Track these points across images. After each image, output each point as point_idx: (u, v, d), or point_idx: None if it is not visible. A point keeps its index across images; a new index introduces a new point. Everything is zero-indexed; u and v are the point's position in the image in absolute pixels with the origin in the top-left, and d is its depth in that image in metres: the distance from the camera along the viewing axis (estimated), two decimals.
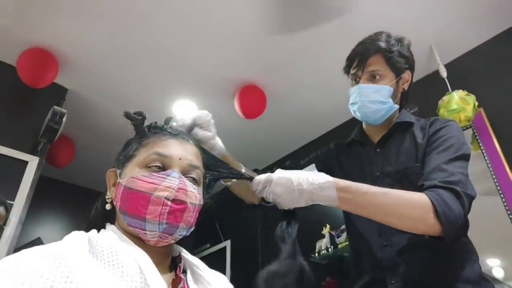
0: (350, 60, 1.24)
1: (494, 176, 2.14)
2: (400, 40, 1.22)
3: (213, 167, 0.88)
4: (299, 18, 2.40)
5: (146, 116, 0.82)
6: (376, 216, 0.93)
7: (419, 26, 2.38)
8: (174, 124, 0.88)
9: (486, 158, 2.21)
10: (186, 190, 0.70)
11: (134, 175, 0.71)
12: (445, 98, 2.29)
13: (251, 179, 0.91)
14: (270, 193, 0.88)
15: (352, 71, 1.23)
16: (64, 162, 3.33)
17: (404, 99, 1.27)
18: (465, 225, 1.05)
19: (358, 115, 1.24)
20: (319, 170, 1.34)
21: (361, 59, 1.19)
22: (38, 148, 2.58)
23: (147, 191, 0.68)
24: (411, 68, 1.24)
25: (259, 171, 0.97)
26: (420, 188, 0.97)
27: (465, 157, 1.04)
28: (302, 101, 3.09)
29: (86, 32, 2.47)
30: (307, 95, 3.03)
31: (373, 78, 1.18)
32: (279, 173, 0.89)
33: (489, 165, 2.18)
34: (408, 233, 0.98)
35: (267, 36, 2.52)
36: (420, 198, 0.92)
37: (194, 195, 0.72)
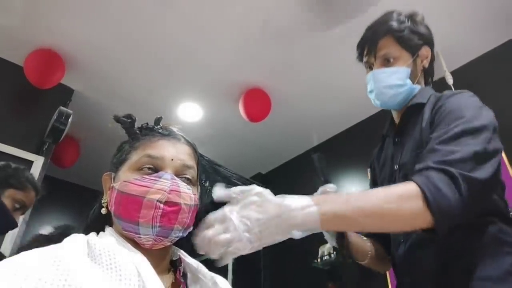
0: (360, 47, 1.17)
1: None
2: (411, 16, 1.13)
3: (211, 170, 0.86)
4: (305, 22, 2.40)
5: (136, 118, 0.81)
6: (366, 227, 0.79)
7: None
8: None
9: None
10: (179, 191, 0.69)
11: (126, 179, 0.70)
12: None
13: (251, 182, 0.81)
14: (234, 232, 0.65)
15: (364, 59, 1.15)
16: (69, 162, 3.35)
17: (428, 76, 1.17)
18: (495, 209, 0.89)
19: (377, 103, 1.15)
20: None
21: (371, 44, 1.12)
22: (44, 148, 2.60)
23: (139, 195, 0.67)
24: (429, 43, 1.14)
25: (253, 182, 0.83)
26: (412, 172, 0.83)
27: (476, 130, 0.85)
28: (307, 104, 3.09)
29: (93, 34, 2.49)
30: (312, 99, 3.03)
31: (387, 62, 1.10)
32: (250, 198, 0.69)
33: None
34: None
35: (273, 40, 2.53)
36: (409, 189, 0.76)
37: (189, 195, 0.71)
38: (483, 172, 0.79)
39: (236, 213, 0.66)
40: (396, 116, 1.17)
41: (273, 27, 2.43)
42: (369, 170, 1.30)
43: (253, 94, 2.89)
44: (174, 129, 0.83)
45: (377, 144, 1.26)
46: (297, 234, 0.70)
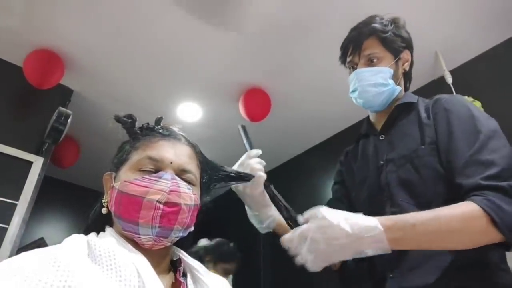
0: (344, 47, 1.19)
1: None
2: (393, 20, 1.17)
3: (210, 170, 0.86)
4: (304, 22, 2.40)
5: (137, 118, 0.82)
6: (432, 246, 0.83)
7: (425, 32, 2.38)
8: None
9: None
10: (180, 192, 0.69)
11: (126, 179, 0.70)
12: None
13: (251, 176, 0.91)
14: (309, 252, 0.75)
15: (348, 59, 1.18)
16: (68, 163, 3.35)
17: (407, 80, 1.21)
18: None
19: (359, 102, 1.17)
20: (338, 192, 1.25)
21: (355, 44, 1.14)
22: (43, 149, 2.60)
23: (139, 195, 0.67)
24: (409, 47, 1.18)
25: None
26: (459, 188, 0.86)
27: (494, 132, 0.91)
28: (307, 104, 3.09)
29: (92, 34, 2.48)
30: (311, 99, 3.03)
31: (370, 62, 1.13)
32: (318, 222, 0.77)
33: None
34: None
35: (272, 39, 2.53)
36: (471, 211, 0.79)
37: (189, 195, 0.71)
38: None
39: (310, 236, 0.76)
40: (375, 117, 1.20)
41: (274, 26, 2.43)
42: (338, 165, 1.31)
43: (252, 94, 2.89)
44: (175, 129, 0.83)
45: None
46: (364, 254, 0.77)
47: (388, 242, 0.76)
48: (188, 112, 3.14)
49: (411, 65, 1.20)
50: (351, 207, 1.14)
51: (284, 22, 2.40)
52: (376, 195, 1.05)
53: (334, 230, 0.75)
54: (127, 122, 0.81)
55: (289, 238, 0.79)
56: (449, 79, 2.45)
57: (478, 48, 2.55)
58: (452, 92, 2.37)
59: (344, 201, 1.21)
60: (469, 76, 2.55)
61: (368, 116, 1.25)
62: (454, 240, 0.81)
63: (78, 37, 2.51)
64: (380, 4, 2.03)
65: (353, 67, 1.17)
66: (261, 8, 2.31)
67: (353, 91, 1.17)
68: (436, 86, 2.65)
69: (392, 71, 1.12)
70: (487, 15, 2.33)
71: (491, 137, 0.89)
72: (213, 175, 0.86)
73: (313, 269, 0.76)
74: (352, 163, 1.23)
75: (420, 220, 0.79)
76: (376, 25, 1.13)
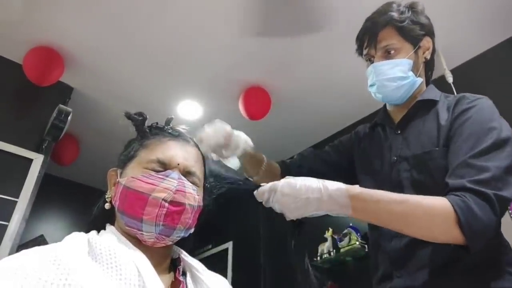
0: (360, 39, 1.13)
1: None
2: (411, 6, 1.09)
3: (215, 174, 0.86)
4: (305, 20, 2.39)
5: (147, 116, 0.82)
6: (391, 226, 0.84)
7: None
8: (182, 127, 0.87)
9: None
10: (185, 192, 0.70)
11: (133, 175, 0.71)
12: None
13: (257, 187, 0.85)
14: (275, 203, 0.81)
15: (364, 51, 1.12)
16: (68, 161, 3.35)
17: (429, 69, 1.15)
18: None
19: (378, 97, 1.11)
20: (339, 156, 1.28)
21: (371, 36, 1.08)
22: (43, 146, 2.59)
23: (145, 192, 0.68)
24: (430, 34, 1.11)
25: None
26: (445, 187, 0.85)
27: (503, 142, 0.86)
28: (307, 102, 3.08)
29: (92, 32, 2.48)
30: (312, 97, 3.03)
31: (387, 54, 1.07)
32: (285, 180, 0.82)
33: None
34: None
35: (272, 37, 2.52)
36: (441, 205, 0.79)
37: (193, 196, 0.72)
38: (511, 188, 0.82)
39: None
40: (393, 109, 1.15)
41: (273, 24, 2.43)
42: (342, 139, 1.31)
43: (253, 92, 2.89)
44: (184, 131, 0.83)
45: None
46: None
47: (352, 209, 0.79)
48: (188, 110, 3.13)
49: (432, 52, 1.13)
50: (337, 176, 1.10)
51: (283, 20, 2.40)
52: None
53: (300, 186, 0.79)
54: (138, 119, 0.81)
55: (261, 191, 0.83)
56: (450, 78, 2.45)
57: (479, 47, 2.54)
58: (452, 92, 2.37)
59: (326, 166, 1.24)
60: (469, 75, 2.55)
61: (385, 105, 1.19)
62: (413, 226, 0.81)
63: (78, 35, 2.50)
64: (381, 3, 2.03)
65: (370, 59, 1.11)
66: (262, 6, 2.30)
67: (371, 85, 1.12)
68: (437, 86, 2.63)
69: (411, 62, 1.06)
70: (487, 15, 2.32)
71: (497, 146, 0.86)
72: (215, 182, 0.87)
73: (287, 218, 0.82)
74: (366, 147, 1.19)
75: (386, 198, 0.81)
76: (392, 14, 1.07)
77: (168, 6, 2.32)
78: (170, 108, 3.08)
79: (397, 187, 0.98)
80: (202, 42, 2.57)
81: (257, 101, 2.89)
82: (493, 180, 0.80)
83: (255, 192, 0.85)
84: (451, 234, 0.77)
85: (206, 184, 0.83)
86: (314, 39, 2.51)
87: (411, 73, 1.06)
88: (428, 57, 1.11)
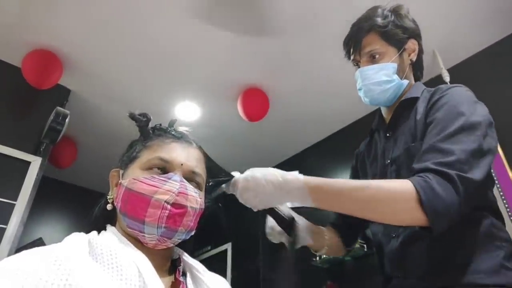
0: (346, 45, 1.16)
1: (497, 181, 2.13)
2: (395, 10, 1.12)
3: (214, 174, 0.86)
4: (303, 20, 2.40)
5: (151, 117, 0.82)
6: (356, 213, 0.84)
7: (422, 31, 2.36)
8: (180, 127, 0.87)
9: None
10: (187, 194, 0.70)
11: (135, 177, 0.71)
12: None
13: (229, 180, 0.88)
14: (238, 197, 0.83)
15: (351, 57, 1.15)
16: (66, 163, 3.34)
17: (417, 69, 1.17)
18: (487, 205, 0.91)
19: (366, 101, 1.14)
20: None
21: (355, 42, 1.12)
22: (41, 149, 2.59)
23: (147, 194, 0.68)
24: (415, 36, 1.14)
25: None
26: (410, 172, 0.85)
27: (472, 126, 0.86)
28: (305, 104, 3.09)
29: (90, 34, 2.48)
30: (310, 98, 3.03)
31: (373, 59, 1.09)
32: (247, 172, 0.84)
33: (492, 170, 2.17)
34: None
35: (270, 39, 2.53)
36: (402, 187, 0.79)
37: (195, 199, 0.72)
38: (479, 171, 0.82)
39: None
40: (385, 111, 1.17)
41: (272, 25, 2.43)
42: (354, 162, 1.29)
43: (251, 93, 2.89)
44: (187, 133, 0.84)
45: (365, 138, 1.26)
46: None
47: (312, 200, 0.82)
48: (187, 112, 3.14)
49: (419, 53, 1.15)
50: None
51: (282, 21, 2.40)
52: None
53: (260, 181, 0.81)
54: (142, 120, 0.82)
55: (231, 182, 0.86)
56: (447, 78, 2.46)
57: (475, 46, 2.55)
58: None
59: None
60: (466, 74, 2.56)
61: (380, 109, 1.21)
62: (377, 211, 0.81)
63: (76, 37, 2.50)
64: (378, 3, 2.04)
65: (357, 64, 1.14)
66: (259, 7, 2.31)
67: (359, 90, 1.15)
68: (434, 85, 2.64)
69: (395, 65, 1.09)
70: (484, 13, 2.33)
71: (466, 129, 0.86)
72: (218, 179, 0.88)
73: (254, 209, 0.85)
74: (366, 159, 1.21)
75: (348, 186, 0.83)
76: (376, 19, 1.09)
77: (165, 8, 2.32)
78: (168, 109, 3.09)
79: None
80: (200, 44, 2.57)
81: (255, 102, 2.89)
82: (458, 163, 0.80)
83: (224, 188, 0.87)
84: (415, 215, 0.77)
85: (207, 185, 0.83)
86: (312, 40, 2.51)
87: (395, 76, 1.09)
88: (414, 58, 1.14)
